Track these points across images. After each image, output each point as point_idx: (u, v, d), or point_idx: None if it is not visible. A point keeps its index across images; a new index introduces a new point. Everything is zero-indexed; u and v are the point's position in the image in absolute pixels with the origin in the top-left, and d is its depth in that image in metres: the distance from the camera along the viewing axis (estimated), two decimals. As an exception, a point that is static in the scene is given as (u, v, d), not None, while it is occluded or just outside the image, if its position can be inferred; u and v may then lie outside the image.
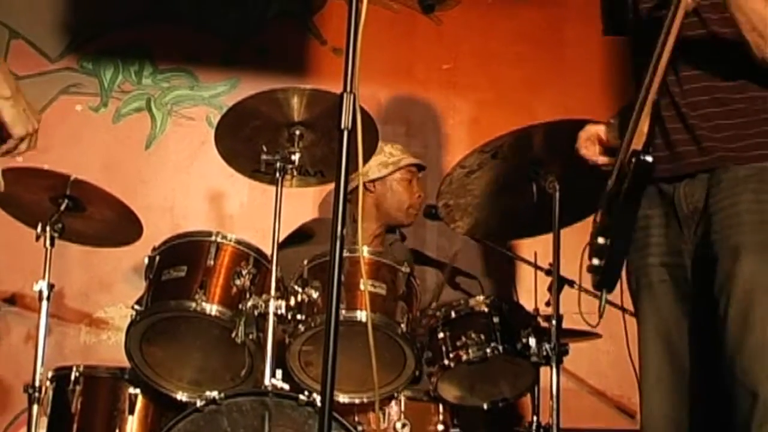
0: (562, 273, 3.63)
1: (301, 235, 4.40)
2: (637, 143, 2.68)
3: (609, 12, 3.11)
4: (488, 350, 3.62)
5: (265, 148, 3.61)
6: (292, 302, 3.49)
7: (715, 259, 2.67)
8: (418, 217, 4.57)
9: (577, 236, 4.07)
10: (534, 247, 4.02)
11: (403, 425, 3.70)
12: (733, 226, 2.65)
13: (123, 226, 4.11)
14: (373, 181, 4.49)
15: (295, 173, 3.64)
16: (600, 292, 2.82)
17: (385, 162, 4.49)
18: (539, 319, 3.63)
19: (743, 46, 2.62)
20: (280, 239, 3.58)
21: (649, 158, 2.66)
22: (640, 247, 2.85)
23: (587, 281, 3.84)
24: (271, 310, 3.42)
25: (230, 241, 3.64)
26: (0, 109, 2.56)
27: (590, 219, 3.81)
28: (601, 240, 2.77)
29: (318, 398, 3.20)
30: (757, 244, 2.62)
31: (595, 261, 2.79)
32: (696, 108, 2.76)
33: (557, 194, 3.57)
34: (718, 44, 2.73)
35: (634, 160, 2.66)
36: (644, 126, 2.69)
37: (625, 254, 2.79)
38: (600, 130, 3.01)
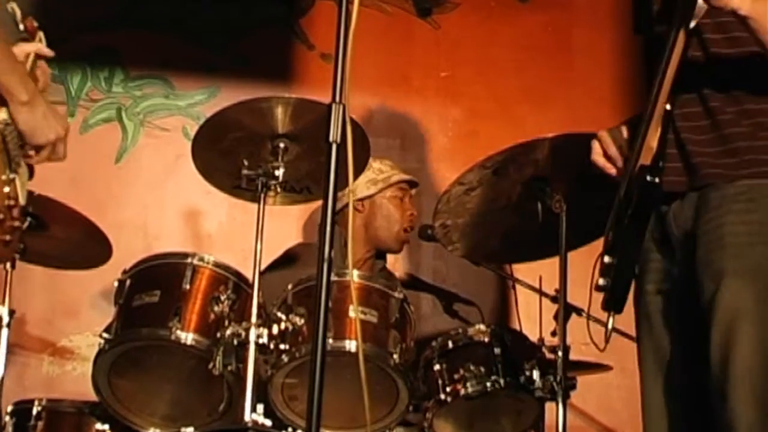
0: (570, 300, 3.63)
1: (285, 260, 4.40)
2: (646, 158, 2.70)
3: (639, 8, 3.10)
4: (488, 384, 3.61)
5: (246, 162, 3.61)
6: (275, 330, 3.48)
7: (700, 285, 2.68)
8: (409, 240, 4.57)
9: (585, 260, 4.07)
10: (539, 272, 4.01)
11: (395, 465, 3.70)
12: (716, 249, 2.67)
13: (90, 247, 4.11)
14: (361, 200, 4.49)
15: (278, 189, 3.64)
16: (607, 313, 2.82)
17: (374, 179, 4.49)
18: (544, 351, 3.62)
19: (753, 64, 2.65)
20: (263, 264, 3.58)
21: (654, 179, 2.67)
22: (641, 273, 2.86)
23: (598, 309, 3.85)
24: (252, 339, 3.40)
25: (208, 263, 3.63)
26: (15, 115, 2.51)
27: (600, 241, 3.84)
28: (607, 258, 2.78)
29: (303, 435, 3.20)
30: (739, 268, 2.63)
31: (602, 281, 2.80)
32: (689, 122, 2.77)
33: (564, 214, 3.57)
34: (716, 64, 2.75)
35: (639, 178, 2.68)
36: (653, 141, 2.70)
37: (631, 275, 2.80)
38: (614, 134, 3.00)
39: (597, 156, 2.95)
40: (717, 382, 2.63)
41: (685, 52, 2.64)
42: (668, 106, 2.70)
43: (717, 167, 2.71)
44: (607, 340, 2.88)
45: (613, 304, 2.81)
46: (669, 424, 2.83)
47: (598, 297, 2.82)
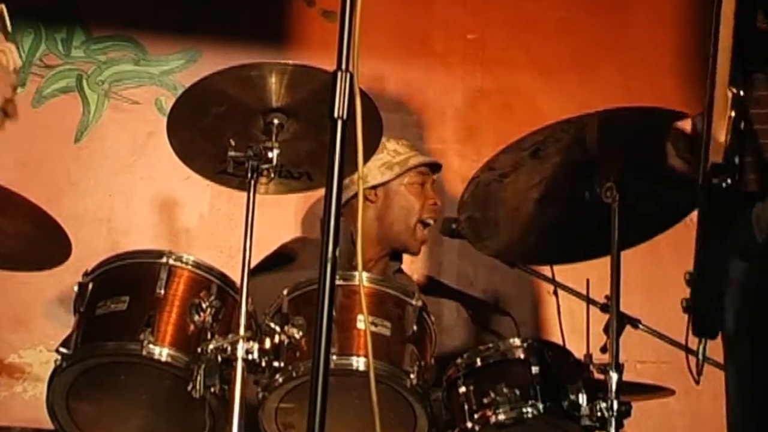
0: (624, 309, 3.63)
1: (279, 259, 4.40)
2: (717, 154, 2.71)
3: None
4: (525, 410, 3.62)
5: (233, 143, 3.61)
6: (268, 344, 3.49)
7: None
8: (430, 236, 4.56)
9: (642, 260, 4.11)
10: (586, 275, 4.02)
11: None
12: None
13: (45, 243, 4.12)
14: (373, 188, 4.49)
15: (272, 175, 3.65)
16: (699, 339, 2.83)
17: (389, 162, 4.49)
18: (592, 370, 3.62)
19: None
20: (253, 263, 3.58)
21: (723, 181, 2.68)
22: (725, 288, 2.87)
23: (658, 320, 3.85)
24: (240, 354, 3.41)
25: (186, 263, 3.65)
26: None
27: (659, 239, 3.85)
28: (689, 273, 2.80)
29: (301, 471, 3.21)
30: None
31: (686, 300, 2.82)
32: (760, 108, 2.78)
33: (616, 205, 3.57)
34: None
35: (707, 180, 2.70)
36: (720, 133, 2.71)
37: (714, 293, 2.81)
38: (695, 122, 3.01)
39: (673, 159, 2.97)
40: None
41: (741, 19, 2.64)
42: (741, 92, 2.71)
43: None
44: (699, 372, 2.88)
45: (702, 328, 2.81)
46: None
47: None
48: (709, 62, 2.70)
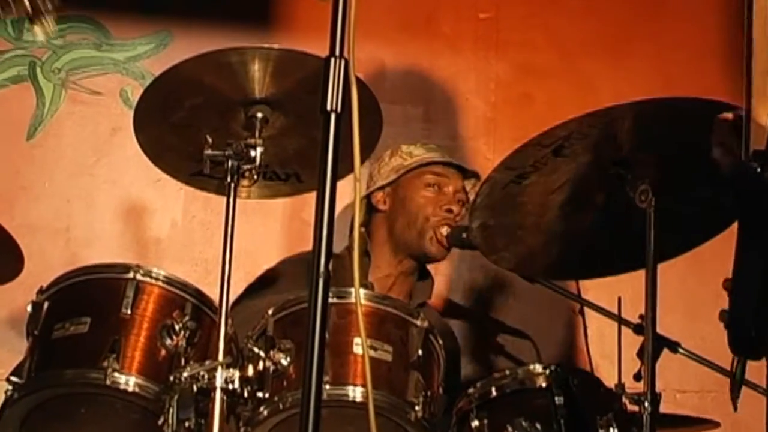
0: (661, 330, 3.64)
1: (264, 281, 4.40)
2: (759, 141, 2.72)
3: None
4: (547, 447, 3.63)
5: (210, 139, 3.62)
6: (251, 372, 3.49)
7: None
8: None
9: (682, 275, 4.10)
10: (617, 291, 4.02)
11: None
12: None
13: (-7, 257, 4.13)
14: (381, 188, 4.49)
15: (255, 177, 3.66)
16: (738, 358, 2.84)
17: (398, 166, 4.50)
18: (625, 401, 3.63)
19: None
20: (233, 277, 3.58)
21: (763, 171, 2.69)
22: None
23: (701, 344, 3.85)
24: (219, 384, 3.42)
25: (157, 279, 3.66)
26: None
27: (702, 249, 3.85)
28: (728, 282, 2.81)
29: None
30: None
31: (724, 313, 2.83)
32: None
33: (652, 210, 3.58)
34: None
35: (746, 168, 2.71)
36: (762, 117, 2.72)
37: (756, 302, 2.81)
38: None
39: (718, 153, 2.98)
40: None
41: None
42: None
43: None
44: (732, 396, 2.89)
45: (741, 345, 2.82)
46: None
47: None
48: (743, 44, 2.73)
